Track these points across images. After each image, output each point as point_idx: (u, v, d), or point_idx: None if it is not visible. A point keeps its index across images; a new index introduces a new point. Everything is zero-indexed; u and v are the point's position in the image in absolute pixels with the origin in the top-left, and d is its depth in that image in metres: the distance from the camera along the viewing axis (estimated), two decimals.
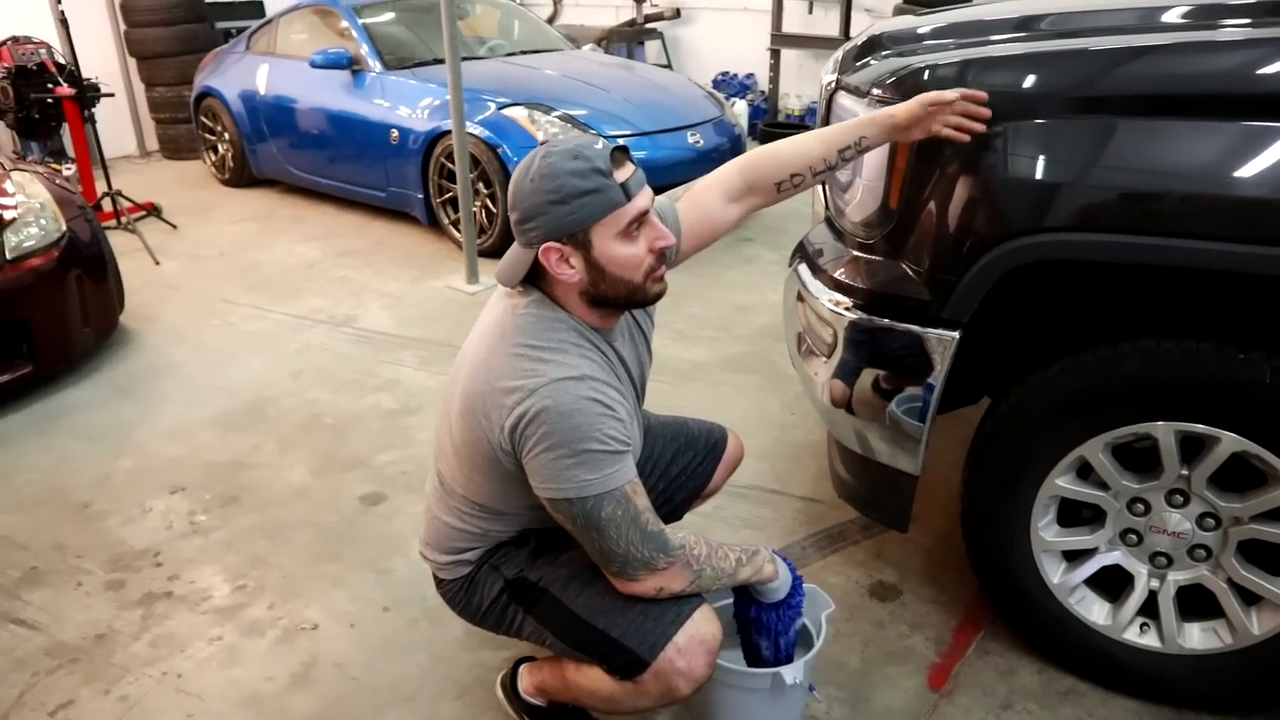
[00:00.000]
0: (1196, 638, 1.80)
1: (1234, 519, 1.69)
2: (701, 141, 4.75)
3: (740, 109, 7.21)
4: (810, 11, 7.39)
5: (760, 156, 1.72)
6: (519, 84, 4.96)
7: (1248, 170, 1.43)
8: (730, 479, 2.08)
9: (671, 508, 1.93)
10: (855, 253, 1.89)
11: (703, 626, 1.48)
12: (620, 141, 1.46)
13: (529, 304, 1.50)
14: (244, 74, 5.92)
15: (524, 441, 1.42)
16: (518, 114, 4.58)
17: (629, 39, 7.91)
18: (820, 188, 2.19)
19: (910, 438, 1.81)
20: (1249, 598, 1.73)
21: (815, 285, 1.94)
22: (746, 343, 3.63)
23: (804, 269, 2.02)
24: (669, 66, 7.82)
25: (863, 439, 1.90)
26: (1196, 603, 1.80)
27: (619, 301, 1.48)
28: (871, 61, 1.98)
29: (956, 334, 1.71)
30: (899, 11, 5.24)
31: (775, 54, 7.46)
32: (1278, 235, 1.43)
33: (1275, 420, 1.58)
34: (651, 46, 8.24)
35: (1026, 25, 1.87)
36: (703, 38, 8.18)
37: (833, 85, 2.07)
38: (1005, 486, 1.84)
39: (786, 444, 2.86)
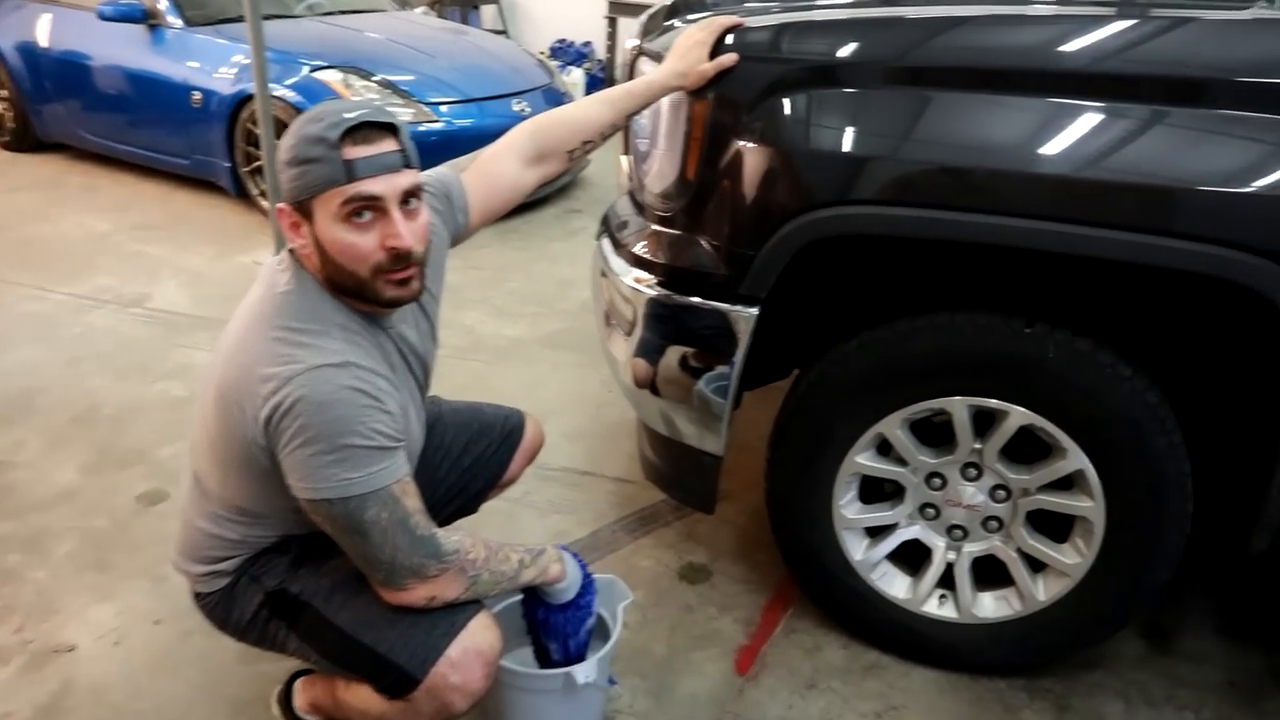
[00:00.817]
0: (989, 606, 1.83)
1: (1023, 490, 1.72)
2: (528, 109, 4.58)
3: (577, 77, 7.08)
4: None
5: (550, 123, 1.69)
6: (337, 46, 4.66)
7: (1053, 147, 1.41)
8: (540, 461, 1.98)
9: (465, 500, 1.81)
10: (655, 226, 1.81)
11: (479, 636, 1.36)
12: (399, 116, 1.31)
13: (290, 280, 1.35)
14: (23, 23, 5.28)
15: (279, 435, 1.26)
16: (331, 78, 4.30)
17: (463, 4, 7.62)
18: (622, 159, 2.10)
19: (714, 417, 1.75)
20: (1036, 565, 1.77)
21: (616, 261, 1.86)
22: (568, 318, 3.52)
23: (606, 243, 1.93)
24: (504, 33, 7.59)
25: (667, 419, 1.83)
26: (990, 573, 1.82)
27: (351, 293, 1.34)
28: (677, 24, 1.89)
29: (755, 310, 1.65)
30: None
31: (612, 22, 7.33)
32: (1080, 214, 1.41)
33: (1058, 394, 1.60)
34: (488, 12, 7.96)
35: None
36: (540, 4, 7.96)
37: (636, 51, 1.97)
38: (807, 464, 1.81)
39: (602, 423, 2.77)
